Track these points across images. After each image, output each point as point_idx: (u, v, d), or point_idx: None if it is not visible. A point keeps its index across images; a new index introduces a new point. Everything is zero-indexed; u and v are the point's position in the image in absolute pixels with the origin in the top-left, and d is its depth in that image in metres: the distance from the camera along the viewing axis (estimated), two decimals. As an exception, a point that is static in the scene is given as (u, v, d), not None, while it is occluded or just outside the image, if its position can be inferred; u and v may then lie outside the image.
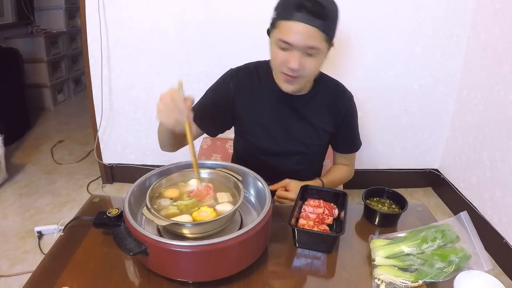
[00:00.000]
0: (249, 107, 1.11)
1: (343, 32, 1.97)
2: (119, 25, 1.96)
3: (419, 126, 2.22)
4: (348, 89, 1.15)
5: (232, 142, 1.32)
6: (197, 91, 1.08)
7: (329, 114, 1.11)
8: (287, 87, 1.00)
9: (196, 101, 1.01)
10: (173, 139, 1.02)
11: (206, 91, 1.13)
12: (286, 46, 0.90)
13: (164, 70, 2.05)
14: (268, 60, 1.06)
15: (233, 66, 1.15)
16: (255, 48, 2.03)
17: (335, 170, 1.25)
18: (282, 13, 0.90)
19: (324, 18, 0.86)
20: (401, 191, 0.98)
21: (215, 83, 1.13)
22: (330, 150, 1.27)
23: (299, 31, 0.87)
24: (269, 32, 0.98)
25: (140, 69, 2.06)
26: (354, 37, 1.96)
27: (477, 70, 1.93)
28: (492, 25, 1.80)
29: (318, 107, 1.10)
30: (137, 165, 2.31)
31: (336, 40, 0.96)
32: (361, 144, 1.22)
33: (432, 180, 2.38)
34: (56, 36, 3.76)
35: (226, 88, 1.10)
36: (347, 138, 1.19)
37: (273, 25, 0.93)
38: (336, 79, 1.16)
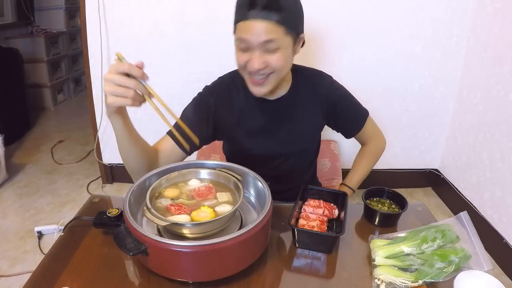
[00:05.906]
0: (233, 120, 1.06)
1: (344, 33, 1.98)
2: (119, 25, 1.96)
3: (419, 126, 2.22)
4: (326, 72, 1.09)
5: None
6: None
7: (315, 106, 1.07)
8: (257, 91, 0.95)
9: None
10: (141, 151, 0.92)
11: (184, 109, 1.05)
12: (245, 45, 0.88)
13: (164, 70, 2.05)
14: None
15: (226, 71, 1.10)
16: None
17: (358, 165, 1.23)
18: (238, 15, 0.88)
19: (280, 10, 0.84)
20: (401, 191, 0.98)
21: (193, 100, 1.06)
22: (321, 148, 1.24)
23: (255, 27, 0.84)
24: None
25: (140, 69, 2.06)
26: (354, 37, 1.96)
27: (477, 70, 1.93)
28: (492, 25, 1.80)
29: (302, 104, 1.06)
30: (137, 165, 2.31)
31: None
32: (367, 110, 1.15)
33: (432, 180, 2.38)
34: (56, 36, 3.77)
35: (206, 103, 1.04)
36: (350, 117, 1.14)
37: (234, 31, 0.91)
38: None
